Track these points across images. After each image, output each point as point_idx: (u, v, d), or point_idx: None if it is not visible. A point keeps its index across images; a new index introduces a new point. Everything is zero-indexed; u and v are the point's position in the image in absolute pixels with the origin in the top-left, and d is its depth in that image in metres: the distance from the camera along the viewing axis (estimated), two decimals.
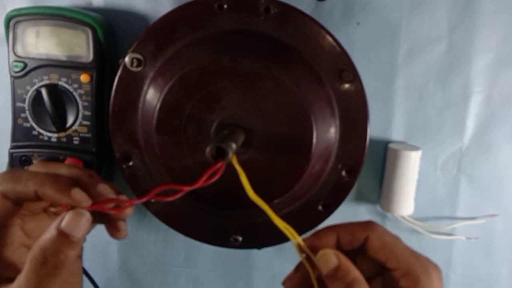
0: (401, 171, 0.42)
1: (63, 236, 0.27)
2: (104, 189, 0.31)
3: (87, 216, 0.29)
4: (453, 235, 0.45)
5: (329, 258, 0.28)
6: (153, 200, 0.40)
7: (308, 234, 0.31)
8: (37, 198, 0.29)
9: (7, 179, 0.29)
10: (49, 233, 0.27)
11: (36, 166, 0.35)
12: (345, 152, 0.38)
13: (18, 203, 0.30)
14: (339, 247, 0.30)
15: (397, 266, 0.29)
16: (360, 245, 0.30)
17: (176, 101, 0.36)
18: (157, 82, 0.37)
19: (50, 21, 0.39)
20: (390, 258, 0.29)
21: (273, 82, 0.35)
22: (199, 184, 0.29)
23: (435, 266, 0.30)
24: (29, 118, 0.40)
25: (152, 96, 0.37)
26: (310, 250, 0.30)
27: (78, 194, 0.29)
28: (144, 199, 0.29)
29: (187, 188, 0.29)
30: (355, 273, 0.28)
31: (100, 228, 0.47)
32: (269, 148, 0.36)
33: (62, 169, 0.32)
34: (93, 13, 0.40)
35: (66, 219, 0.28)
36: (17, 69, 0.40)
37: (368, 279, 0.29)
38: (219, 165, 0.29)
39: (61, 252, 0.27)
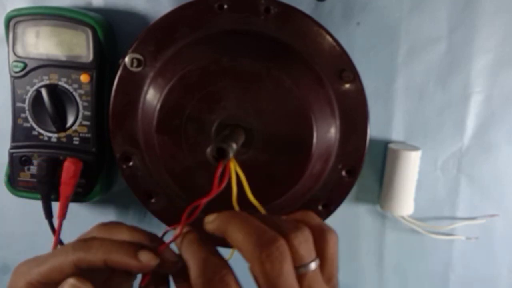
0: (401, 171, 0.42)
1: None
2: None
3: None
4: (453, 235, 0.45)
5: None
6: (153, 200, 0.40)
7: None
8: (106, 266, 0.29)
9: (79, 248, 0.29)
10: None
11: (97, 231, 0.33)
12: (345, 152, 0.38)
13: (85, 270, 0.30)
14: None
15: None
16: None
17: (176, 101, 0.36)
18: (157, 82, 0.37)
19: (50, 21, 0.39)
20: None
21: (273, 82, 0.35)
22: (215, 191, 0.28)
23: None
24: (29, 118, 0.40)
25: (152, 96, 0.37)
26: None
27: (145, 255, 0.29)
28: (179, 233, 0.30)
29: (205, 200, 0.28)
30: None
31: None
32: (269, 148, 0.36)
33: (124, 232, 0.32)
34: (93, 13, 0.40)
35: None
36: (17, 69, 0.40)
37: None
38: (221, 168, 0.29)
39: None
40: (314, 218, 0.29)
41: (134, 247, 0.29)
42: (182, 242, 0.29)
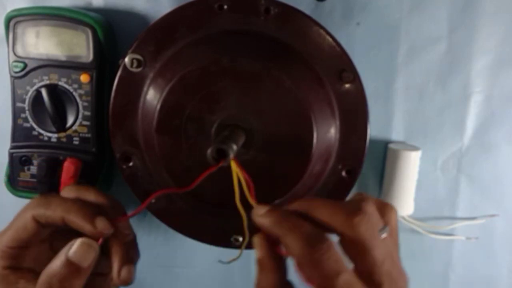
0: (401, 171, 0.42)
1: (70, 265, 0.28)
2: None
3: (95, 247, 0.29)
4: (453, 235, 0.45)
5: (256, 251, 0.29)
6: (153, 200, 0.40)
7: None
8: (64, 223, 0.30)
9: (39, 204, 0.31)
10: (58, 260, 0.28)
11: (67, 191, 0.35)
12: (345, 152, 0.38)
13: (47, 226, 0.31)
14: None
15: (364, 271, 0.26)
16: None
17: (176, 101, 0.36)
18: (157, 82, 0.37)
19: (50, 21, 0.39)
20: (358, 263, 0.27)
21: (273, 83, 0.35)
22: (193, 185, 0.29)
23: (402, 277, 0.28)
24: (29, 118, 0.40)
25: (152, 96, 0.37)
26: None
27: (101, 223, 0.30)
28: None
29: (166, 191, 0.30)
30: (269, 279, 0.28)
31: None
32: (269, 148, 0.36)
33: (91, 195, 0.33)
34: (93, 13, 0.40)
35: (74, 248, 0.28)
36: (17, 69, 0.40)
37: None
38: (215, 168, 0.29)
39: (66, 280, 0.28)
40: (371, 197, 0.29)
41: (93, 212, 0.30)
42: (271, 218, 0.28)
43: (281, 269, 0.28)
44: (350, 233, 0.26)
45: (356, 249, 0.26)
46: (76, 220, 0.30)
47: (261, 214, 0.28)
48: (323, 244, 0.26)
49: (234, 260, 0.33)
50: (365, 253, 0.26)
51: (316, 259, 0.25)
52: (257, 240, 0.29)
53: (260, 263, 0.28)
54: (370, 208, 0.27)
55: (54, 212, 0.30)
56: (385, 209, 0.29)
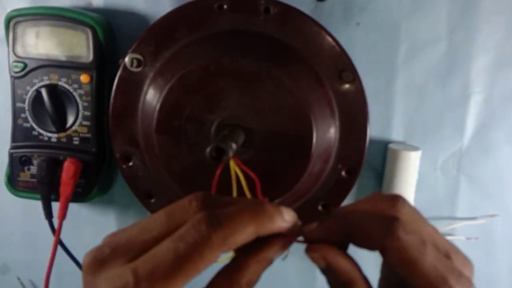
0: (401, 171, 0.42)
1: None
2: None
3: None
4: (452, 235, 0.45)
5: (317, 262, 0.26)
6: (153, 200, 0.40)
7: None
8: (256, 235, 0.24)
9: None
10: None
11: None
12: (345, 152, 0.38)
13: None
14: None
15: (417, 285, 0.24)
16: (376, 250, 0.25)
17: (176, 101, 0.36)
18: (157, 82, 0.37)
19: (50, 21, 0.39)
20: (409, 276, 0.24)
21: (273, 82, 0.35)
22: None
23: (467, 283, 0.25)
24: (29, 118, 0.40)
25: (152, 96, 0.37)
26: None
27: (288, 214, 0.24)
28: None
29: None
30: (347, 275, 0.25)
31: (99, 228, 0.47)
32: (269, 148, 0.36)
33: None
34: (93, 13, 0.40)
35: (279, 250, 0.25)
36: (17, 69, 0.40)
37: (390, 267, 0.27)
38: (220, 170, 0.28)
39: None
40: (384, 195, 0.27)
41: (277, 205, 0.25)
42: (336, 219, 0.26)
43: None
44: (393, 245, 0.24)
45: (404, 263, 0.24)
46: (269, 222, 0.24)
47: (317, 226, 0.26)
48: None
49: (225, 259, 0.33)
50: (416, 265, 0.24)
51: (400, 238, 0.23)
52: (326, 250, 0.25)
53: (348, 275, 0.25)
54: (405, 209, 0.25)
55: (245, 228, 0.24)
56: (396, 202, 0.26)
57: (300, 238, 0.26)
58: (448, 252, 0.25)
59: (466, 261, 0.27)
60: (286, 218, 0.24)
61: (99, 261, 0.22)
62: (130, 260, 0.22)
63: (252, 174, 0.29)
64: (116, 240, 0.23)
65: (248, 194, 0.30)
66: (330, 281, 0.26)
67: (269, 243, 0.24)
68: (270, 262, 0.25)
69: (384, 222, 0.24)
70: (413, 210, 0.26)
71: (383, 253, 0.24)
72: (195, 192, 0.23)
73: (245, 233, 0.22)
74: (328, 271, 0.26)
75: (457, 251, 0.26)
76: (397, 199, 0.25)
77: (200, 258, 0.21)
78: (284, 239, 0.25)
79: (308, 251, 0.26)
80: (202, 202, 0.23)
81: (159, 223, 0.23)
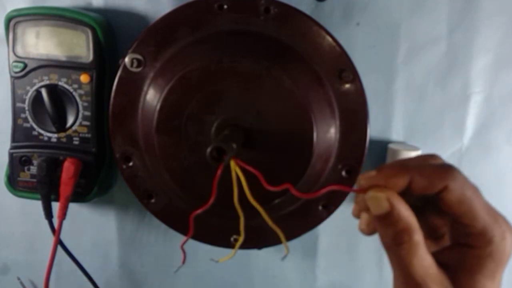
0: None
1: None
2: None
3: None
4: None
5: (380, 203, 0.26)
6: (153, 200, 0.40)
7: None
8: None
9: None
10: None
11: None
12: (345, 152, 0.38)
13: None
14: (409, 190, 0.26)
15: (472, 224, 0.26)
16: (435, 193, 0.26)
17: (176, 101, 0.36)
18: (157, 82, 0.37)
19: (50, 21, 0.39)
20: (466, 214, 0.26)
21: (273, 83, 0.35)
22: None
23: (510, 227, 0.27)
24: (29, 118, 0.40)
25: (152, 96, 0.37)
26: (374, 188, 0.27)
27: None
28: None
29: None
30: (407, 221, 0.25)
31: (99, 228, 0.47)
32: (269, 148, 0.36)
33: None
34: (93, 13, 0.40)
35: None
36: (17, 69, 0.40)
37: (433, 225, 0.28)
38: (221, 170, 0.29)
39: None
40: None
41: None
42: (394, 165, 0.28)
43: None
44: (455, 185, 0.26)
45: (463, 201, 0.26)
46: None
47: (382, 167, 0.27)
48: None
49: (227, 258, 0.33)
50: (471, 203, 0.26)
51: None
52: (391, 192, 0.26)
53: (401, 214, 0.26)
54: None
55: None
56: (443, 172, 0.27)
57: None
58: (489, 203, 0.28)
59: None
60: None
61: None
62: None
63: (253, 170, 0.29)
64: None
65: (248, 194, 0.30)
66: (382, 231, 0.26)
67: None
68: None
69: (443, 167, 0.27)
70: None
71: (442, 195, 0.26)
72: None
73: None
74: (385, 216, 0.26)
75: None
76: (449, 165, 0.27)
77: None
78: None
79: (373, 191, 0.26)
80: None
81: None
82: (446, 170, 0.26)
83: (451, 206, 0.26)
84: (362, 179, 0.27)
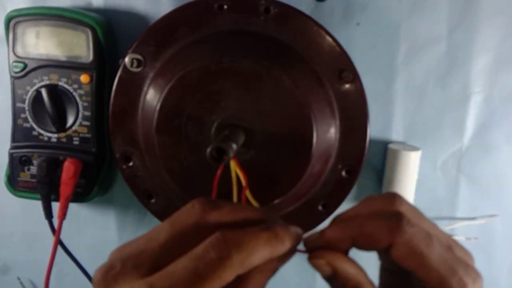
0: (401, 172, 0.42)
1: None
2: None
3: None
4: (452, 235, 0.45)
5: (322, 268, 0.26)
6: (153, 200, 0.40)
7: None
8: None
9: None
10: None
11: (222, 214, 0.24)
12: (345, 152, 0.38)
13: None
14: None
15: (427, 277, 0.24)
16: (383, 250, 0.25)
17: (176, 101, 0.36)
18: (157, 82, 0.37)
19: (50, 21, 0.39)
20: (419, 268, 0.24)
21: (273, 83, 0.35)
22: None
23: (476, 279, 0.25)
24: (29, 119, 0.40)
25: (152, 96, 0.37)
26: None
27: (294, 230, 0.25)
28: None
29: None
30: (355, 279, 0.25)
31: (99, 228, 0.47)
32: (269, 148, 0.36)
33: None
34: (93, 14, 0.40)
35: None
36: (17, 70, 0.40)
37: (391, 272, 0.28)
38: (221, 170, 0.28)
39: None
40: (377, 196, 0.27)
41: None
42: (341, 225, 0.26)
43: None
44: (401, 241, 0.24)
45: (413, 257, 0.24)
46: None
47: (316, 236, 0.26)
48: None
49: None
50: (425, 258, 0.24)
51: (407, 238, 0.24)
52: (332, 256, 0.25)
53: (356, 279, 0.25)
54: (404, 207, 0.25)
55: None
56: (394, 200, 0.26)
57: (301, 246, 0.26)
58: (450, 245, 0.26)
59: (467, 253, 0.27)
60: (294, 237, 0.24)
61: (111, 277, 0.22)
62: (143, 273, 0.22)
63: (243, 179, 0.29)
64: (125, 254, 0.23)
65: (249, 194, 0.30)
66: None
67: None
68: (273, 271, 0.24)
69: (388, 219, 0.25)
70: (411, 205, 0.26)
71: (391, 250, 0.24)
72: (197, 197, 0.24)
73: (262, 256, 0.22)
74: (333, 278, 0.25)
75: (457, 243, 0.27)
76: (395, 196, 0.26)
77: (218, 278, 0.21)
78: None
79: (312, 258, 0.26)
80: (204, 203, 0.23)
81: (164, 230, 0.23)
82: (392, 224, 0.24)
83: (402, 261, 0.24)
84: (307, 242, 0.26)
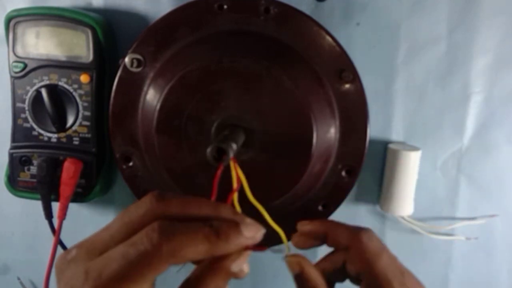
0: (400, 172, 0.42)
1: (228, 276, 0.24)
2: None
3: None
4: (452, 235, 0.45)
5: (292, 266, 0.32)
6: None
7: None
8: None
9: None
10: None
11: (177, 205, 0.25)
12: (345, 152, 0.38)
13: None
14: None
15: (369, 282, 0.30)
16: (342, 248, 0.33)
17: (176, 101, 0.36)
18: (157, 82, 0.37)
19: (50, 21, 0.39)
20: (366, 275, 0.31)
21: (273, 83, 0.35)
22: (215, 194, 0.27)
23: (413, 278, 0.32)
24: (29, 119, 0.40)
25: (152, 96, 0.37)
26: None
27: (252, 227, 0.25)
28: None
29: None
30: (315, 281, 0.31)
31: (99, 228, 0.47)
32: (269, 148, 0.36)
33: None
34: (93, 14, 0.40)
35: (240, 262, 0.25)
36: (17, 70, 0.40)
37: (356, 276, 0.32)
38: (221, 171, 0.28)
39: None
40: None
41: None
42: (316, 223, 0.35)
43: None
44: (357, 245, 0.31)
45: (364, 260, 0.31)
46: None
47: (306, 223, 0.35)
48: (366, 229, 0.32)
49: None
50: (374, 262, 0.31)
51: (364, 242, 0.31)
52: (302, 258, 0.32)
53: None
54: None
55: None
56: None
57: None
58: (403, 271, 0.31)
59: (419, 282, 0.32)
60: (247, 235, 0.24)
61: (67, 261, 0.23)
62: (93, 259, 0.23)
63: (235, 182, 0.29)
64: (82, 242, 0.24)
65: (249, 194, 0.30)
66: (298, 286, 0.32)
67: (226, 255, 0.24)
68: (230, 273, 0.24)
69: (354, 229, 0.33)
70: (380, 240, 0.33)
71: (347, 254, 0.32)
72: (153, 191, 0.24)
73: (197, 251, 0.23)
74: (299, 277, 0.31)
75: (411, 273, 0.32)
76: (368, 229, 0.33)
77: (148, 266, 0.22)
78: (242, 250, 0.25)
79: (287, 257, 0.32)
80: (155, 195, 0.24)
81: (116, 220, 0.24)
82: (353, 233, 0.32)
83: (354, 264, 0.31)
84: (299, 226, 0.36)
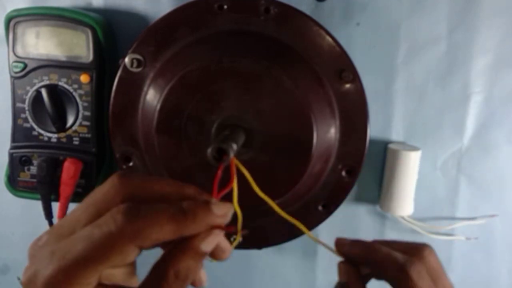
0: (400, 172, 0.42)
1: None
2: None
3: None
4: (452, 235, 0.45)
5: (340, 274, 0.30)
6: None
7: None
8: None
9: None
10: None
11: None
12: (345, 152, 0.38)
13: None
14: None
15: None
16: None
17: (176, 101, 0.36)
18: (157, 82, 0.37)
19: (50, 21, 0.39)
20: None
21: (273, 83, 0.35)
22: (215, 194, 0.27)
23: None
24: (29, 119, 0.40)
25: (152, 96, 0.37)
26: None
27: (221, 206, 0.24)
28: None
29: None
30: None
31: None
32: (269, 148, 0.36)
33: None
34: (93, 14, 0.40)
35: (210, 241, 0.24)
36: (17, 70, 0.40)
37: None
38: (221, 171, 0.28)
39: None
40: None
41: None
42: (359, 246, 0.31)
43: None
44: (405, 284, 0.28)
45: None
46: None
47: (347, 243, 0.31)
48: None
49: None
50: None
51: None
52: (344, 266, 0.31)
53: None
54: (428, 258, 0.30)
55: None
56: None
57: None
58: None
59: None
60: (218, 212, 0.24)
61: (38, 246, 0.23)
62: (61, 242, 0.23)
63: (232, 182, 0.29)
64: (53, 227, 0.24)
65: (257, 189, 0.29)
66: None
67: (195, 234, 0.24)
68: (200, 253, 0.24)
69: (401, 261, 0.28)
70: (437, 260, 0.30)
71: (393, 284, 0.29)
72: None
73: (163, 231, 0.22)
74: (342, 286, 0.30)
75: None
76: (425, 246, 0.30)
77: (111, 247, 0.21)
78: (212, 229, 0.24)
79: (341, 263, 0.31)
80: (120, 175, 0.24)
81: (82, 203, 0.24)
82: (403, 267, 0.28)
83: None
84: (338, 243, 0.31)
